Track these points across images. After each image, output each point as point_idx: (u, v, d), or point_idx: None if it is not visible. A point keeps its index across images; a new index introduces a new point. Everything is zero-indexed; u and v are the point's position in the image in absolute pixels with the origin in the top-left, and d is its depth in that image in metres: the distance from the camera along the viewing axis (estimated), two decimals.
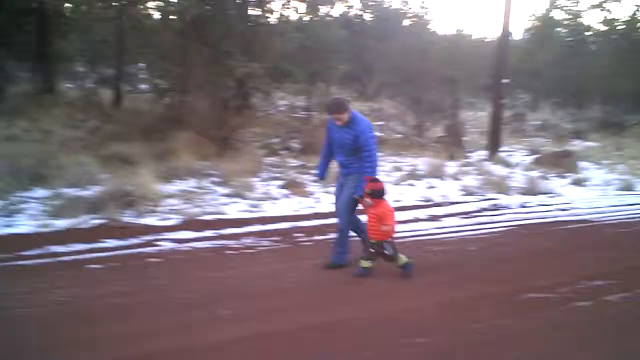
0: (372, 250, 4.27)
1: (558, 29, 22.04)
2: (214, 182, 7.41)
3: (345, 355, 3.08)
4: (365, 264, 4.29)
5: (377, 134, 12.38)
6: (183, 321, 3.39)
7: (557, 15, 21.70)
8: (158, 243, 4.95)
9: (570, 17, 21.16)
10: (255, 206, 6.50)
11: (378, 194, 4.22)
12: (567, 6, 21.02)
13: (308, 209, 6.55)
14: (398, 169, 9.14)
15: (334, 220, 4.81)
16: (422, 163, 9.50)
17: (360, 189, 4.31)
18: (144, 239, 5.01)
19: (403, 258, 4.29)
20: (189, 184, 7.25)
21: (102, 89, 14.41)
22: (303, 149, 10.09)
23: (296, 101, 14.83)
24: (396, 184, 8.14)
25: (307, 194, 7.18)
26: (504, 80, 10.49)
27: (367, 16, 19.59)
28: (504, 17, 10.53)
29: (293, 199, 6.95)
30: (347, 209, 4.45)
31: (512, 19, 12.08)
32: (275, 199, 6.92)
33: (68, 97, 14.68)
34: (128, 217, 5.59)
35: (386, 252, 4.23)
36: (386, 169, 9.05)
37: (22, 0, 13.53)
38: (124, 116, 11.20)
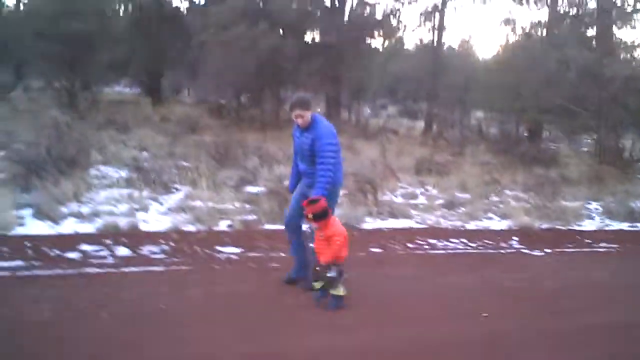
0: (317, 269, 3.78)
1: None
2: None
3: None
4: (317, 285, 3.82)
5: None
6: None
7: None
8: None
9: None
10: None
11: (320, 215, 3.63)
12: None
13: None
14: None
15: None
16: None
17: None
18: None
19: (341, 289, 3.77)
20: None
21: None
22: None
23: None
24: None
25: None
26: None
27: None
28: None
29: None
30: (299, 223, 3.98)
31: None
32: None
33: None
34: None
35: (330, 274, 3.70)
36: None
37: None
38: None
